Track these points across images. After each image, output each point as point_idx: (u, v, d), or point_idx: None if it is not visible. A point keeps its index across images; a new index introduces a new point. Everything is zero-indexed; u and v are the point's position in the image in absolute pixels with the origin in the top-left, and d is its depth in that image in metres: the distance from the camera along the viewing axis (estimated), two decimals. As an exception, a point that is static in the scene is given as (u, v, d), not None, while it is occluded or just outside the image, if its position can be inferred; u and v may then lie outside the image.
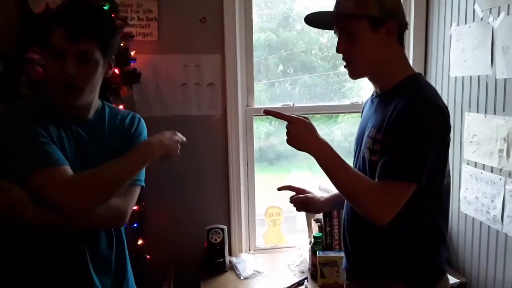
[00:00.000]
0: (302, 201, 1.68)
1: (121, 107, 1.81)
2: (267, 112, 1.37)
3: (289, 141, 1.33)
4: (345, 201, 1.51)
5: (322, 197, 1.71)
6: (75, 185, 1.17)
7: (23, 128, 1.20)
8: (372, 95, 1.49)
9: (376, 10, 1.31)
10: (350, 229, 1.47)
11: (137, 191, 1.39)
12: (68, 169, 1.19)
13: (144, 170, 1.39)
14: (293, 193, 1.72)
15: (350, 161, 1.46)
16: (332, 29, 1.43)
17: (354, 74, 1.42)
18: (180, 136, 1.37)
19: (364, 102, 1.65)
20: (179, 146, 1.38)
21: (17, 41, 1.87)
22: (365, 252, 1.43)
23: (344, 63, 1.41)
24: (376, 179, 1.26)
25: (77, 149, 1.30)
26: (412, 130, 1.23)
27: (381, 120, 1.32)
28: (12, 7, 1.92)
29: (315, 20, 1.45)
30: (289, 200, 1.72)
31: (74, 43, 1.18)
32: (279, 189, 1.72)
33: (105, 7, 1.87)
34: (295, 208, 1.72)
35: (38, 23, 1.80)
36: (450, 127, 1.31)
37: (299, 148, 1.33)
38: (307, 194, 1.69)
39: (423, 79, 1.42)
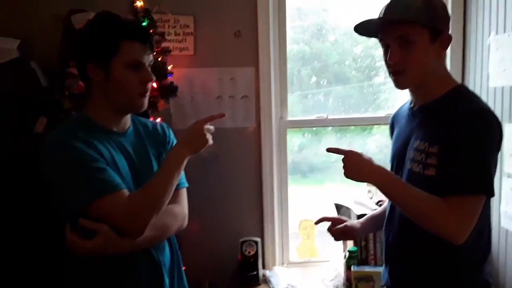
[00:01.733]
0: (342, 231, 1.63)
1: (158, 120, 1.86)
2: (329, 150, 1.38)
3: (346, 174, 1.34)
4: (386, 220, 1.49)
5: (359, 222, 1.67)
6: (132, 209, 1.25)
7: (77, 155, 1.24)
8: (411, 107, 1.46)
9: (438, 22, 1.30)
10: (394, 247, 1.45)
11: (185, 193, 1.51)
12: (126, 192, 1.27)
13: (183, 172, 1.47)
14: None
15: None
16: (376, 37, 1.40)
17: (405, 84, 1.38)
18: (207, 127, 1.38)
19: (395, 113, 1.62)
20: (208, 135, 1.38)
21: (60, 56, 1.94)
22: (409, 268, 1.40)
23: (391, 73, 1.37)
24: (445, 195, 1.23)
25: (127, 162, 1.37)
26: (477, 141, 1.23)
27: (434, 132, 1.30)
28: (57, 24, 2.00)
29: (364, 26, 1.39)
30: (327, 230, 1.68)
31: (148, 54, 1.35)
32: (316, 223, 1.71)
33: (144, 23, 1.93)
34: (333, 238, 1.68)
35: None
36: (503, 136, 1.30)
37: (357, 178, 1.35)
38: (345, 223, 1.64)
39: (470, 90, 1.40)
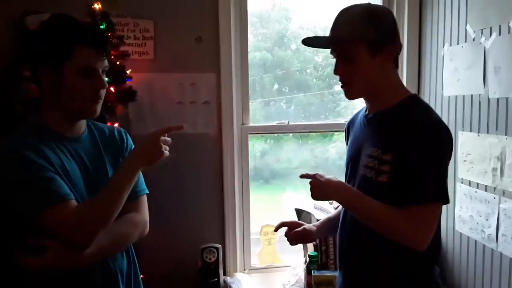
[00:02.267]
0: (301, 234, 1.63)
1: (116, 125, 1.82)
2: (302, 176, 1.44)
3: (312, 196, 1.42)
4: (340, 225, 1.51)
5: (315, 225, 1.68)
6: (78, 221, 1.21)
7: (24, 164, 1.20)
8: (366, 114, 1.49)
9: (374, 34, 1.32)
10: (347, 250, 1.47)
11: (145, 200, 1.49)
12: (73, 203, 1.23)
13: (142, 179, 1.48)
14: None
15: (341, 178, 1.48)
16: (328, 48, 1.44)
17: (351, 95, 1.44)
18: (164, 139, 1.34)
19: (350, 119, 1.65)
20: (165, 147, 1.34)
21: (13, 59, 1.87)
22: (362, 272, 1.42)
23: (341, 84, 1.42)
24: (405, 204, 1.28)
25: (79, 168, 1.33)
26: (433, 152, 1.28)
27: (387, 140, 1.33)
28: (5, 25, 1.93)
29: (312, 40, 1.47)
30: (284, 235, 1.68)
31: (102, 61, 1.31)
32: (276, 229, 1.73)
33: (102, 26, 1.89)
34: (289, 243, 1.67)
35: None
36: (453, 145, 1.35)
37: (322, 199, 1.51)
38: (303, 227, 1.65)
39: (423, 100, 1.45)
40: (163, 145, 1.33)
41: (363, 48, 1.33)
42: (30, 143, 1.24)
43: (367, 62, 1.34)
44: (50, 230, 1.20)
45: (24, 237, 1.22)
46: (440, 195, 1.28)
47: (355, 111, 2.83)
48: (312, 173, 1.41)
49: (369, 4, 1.40)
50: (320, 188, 1.37)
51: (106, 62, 1.33)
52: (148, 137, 1.34)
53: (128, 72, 2.03)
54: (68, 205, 1.21)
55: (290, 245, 1.68)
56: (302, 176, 1.43)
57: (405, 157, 1.27)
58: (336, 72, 1.40)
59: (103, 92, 1.33)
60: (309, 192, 1.41)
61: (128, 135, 1.55)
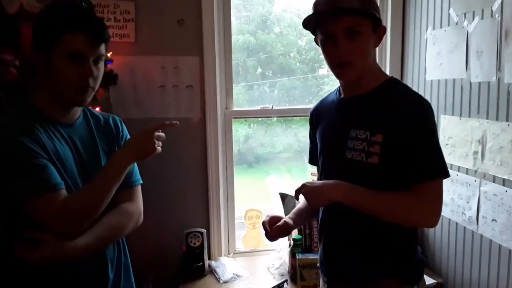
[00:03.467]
0: (282, 227, 1.50)
1: (97, 109, 1.78)
2: (296, 196, 1.38)
3: (312, 204, 1.36)
4: (322, 211, 1.51)
5: (290, 218, 1.56)
6: (66, 212, 1.20)
7: (18, 150, 1.18)
8: (338, 96, 1.48)
9: (377, 12, 1.34)
10: (328, 233, 1.48)
11: (140, 190, 1.50)
12: (63, 193, 1.22)
13: (137, 169, 1.49)
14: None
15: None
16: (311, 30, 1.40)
17: (352, 75, 1.36)
18: (158, 135, 1.33)
19: (315, 107, 1.62)
20: (157, 143, 1.34)
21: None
22: (345, 255, 1.43)
23: (337, 64, 1.35)
24: (411, 184, 1.29)
25: (72, 154, 1.32)
26: (429, 129, 1.30)
27: (375, 122, 1.33)
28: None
29: (316, 16, 1.35)
30: (265, 236, 1.52)
31: (94, 48, 1.27)
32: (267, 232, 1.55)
33: (81, 7, 1.83)
34: (269, 240, 1.52)
35: (13, 23, 1.77)
36: None
37: (322, 202, 1.37)
38: (283, 220, 1.53)
39: (402, 82, 1.47)
40: (156, 141, 1.32)
41: (369, 23, 1.32)
42: (24, 127, 1.22)
43: (370, 38, 1.34)
44: (35, 220, 1.19)
45: (21, 229, 1.21)
46: (444, 169, 1.31)
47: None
48: (299, 186, 1.36)
49: None
50: (317, 193, 1.33)
51: (100, 50, 1.30)
52: (142, 132, 1.33)
53: (108, 55, 1.98)
54: (57, 195, 1.20)
55: (269, 241, 1.55)
56: (296, 196, 1.37)
57: (397, 137, 1.28)
58: (342, 50, 1.30)
59: (92, 81, 1.29)
60: (308, 203, 1.36)
61: (123, 124, 1.54)
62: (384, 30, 1.38)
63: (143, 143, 1.32)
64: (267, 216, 1.56)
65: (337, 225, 1.45)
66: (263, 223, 1.53)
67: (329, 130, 1.49)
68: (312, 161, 1.67)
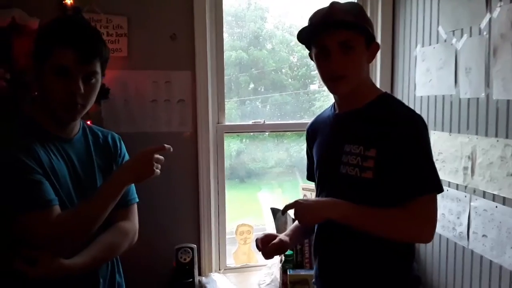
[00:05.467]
0: (278, 245, 1.49)
1: (88, 123, 1.77)
2: (283, 212, 1.39)
3: (303, 222, 1.37)
4: (317, 227, 1.50)
5: (286, 235, 1.56)
6: (58, 230, 1.20)
7: (13, 164, 1.17)
8: (333, 111, 1.50)
9: (371, 28, 1.36)
10: (324, 249, 1.47)
11: (136, 208, 1.49)
12: (56, 210, 1.21)
13: (134, 187, 1.47)
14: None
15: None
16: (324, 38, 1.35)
17: (344, 89, 1.37)
18: (157, 157, 1.33)
19: (311, 123, 1.63)
20: (156, 165, 1.33)
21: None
22: (341, 271, 1.42)
23: (330, 78, 1.36)
24: (406, 200, 1.28)
25: (67, 169, 1.31)
26: (423, 144, 1.31)
27: (369, 136, 1.33)
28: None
29: (311, 30, 1.37)
30: (262, 254, 1.51)
31: (83, 64, 1.24)
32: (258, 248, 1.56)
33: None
34: (264, 257, 1.52)
35: (4, 36, 1.77)
36: None
37: (316, 220, 1.38)
38: (279, 238, 1.51)
39: (395, 97, 1.49)
40: (155, 163, 1.32)
41: (362, 39, 1.34)
42: (22, 143, 1.22)
43: (363, 54, 1.36)
44: (27, 236, 1.18)
45: (20, 245, 1.20)
46: (437, 184, 1.31)
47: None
48: (291, 202, 1.35)
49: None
50: (309, 210, 1.32)
51: (92, 67, 1.26)
52: (142, 153, 1.32)
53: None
54: (51, 212, 1.19)
55: (265, 259, 1.55)
56: (284, 211, 1.37)
57: (391, 152, 1.29)
58: (335, 63, 1.32)
59: (80, 98, 1.26)
60: (300, 221, 1.35)
61: (122, 142, 1.53)
62: (377, 46, 1.40)
63: (142, 165, 1.32)
64: (262, 234, 1.55)
65: (332, 242, 1.44)
66: (256, 240, 1.52)
67: (324, 145, 1.50)
68: (310, 177, 1.67)
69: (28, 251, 1.18)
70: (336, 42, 1.31)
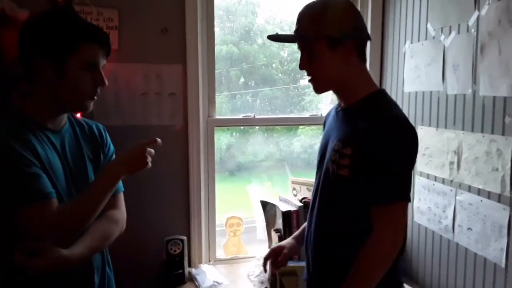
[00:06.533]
0: (288, 255, 1.66)
1: (78, 115, 1.78)
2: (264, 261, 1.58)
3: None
4: (308, 214, 1.53)
5: (293, 238, 1.71)
6: (60, 221, 1.22)
7: (10, 157, 1.18)
8: (337, 107, 1.52)
9: (334, 31, 1.34)
10: (313, 241, 1.49)
11: (122, 197, 1.55)
12: (55, 202, 1.23)
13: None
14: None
15: (312, 172, 1.50)
16: (294, 42, 1.47)
17: (318, 89, 1.46)
18: (149, 150, 1.37)
19: (327, 112, 1.66)
20: (148, 158, 1.37)
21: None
22: (326, 263, 1.45)
23: (308, 78, 1.45)
24: (374, 204, 1.29)
25: (60, 161, 1.33)
26: (394, 150, 1.27)
27: (348, 134, 1.35)
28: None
29: (277, 36, 1.52)
30: (273, 267, 1.71)
31: (104, 58, 1.36)
32: (265, 269, 1.76)
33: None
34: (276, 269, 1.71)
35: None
36: (417, 141, 1.37)
37: None
38: (287, 247, 1.67)
39: (388, 96, 1.45)
40: (148, 156, 1.37)
41: (322, 43, 1.35)
42: (17, 133, 1.22)
43: (327, 57, 1.36)
44: (27, 229, 1.19)
45: (20, 239, 1.20)
46: (402, 193, 1.29)
47: (320, 105, 2.89)
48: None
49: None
50: None
51: (105, 61, 1.37)
52: (135, 147, 1.37)
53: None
54: (50, 204, 1.21)
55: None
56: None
57: (365, 153, 1.28)
58: (300, 66, 1.43)
59: (99, 90, 1.37)
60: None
61: (106, 132, 1.57)
62: (351, 44, 1.36)
63: (136, 158, 1.36)
64: (270, 250, 1.71)
65: (320, 245, 1.47)
66: (264, 259, 1.69)
67: (323, 137, 1.55)
68: None
69: (30, 243, 1.18)
70: (300, 48, 1.43)
